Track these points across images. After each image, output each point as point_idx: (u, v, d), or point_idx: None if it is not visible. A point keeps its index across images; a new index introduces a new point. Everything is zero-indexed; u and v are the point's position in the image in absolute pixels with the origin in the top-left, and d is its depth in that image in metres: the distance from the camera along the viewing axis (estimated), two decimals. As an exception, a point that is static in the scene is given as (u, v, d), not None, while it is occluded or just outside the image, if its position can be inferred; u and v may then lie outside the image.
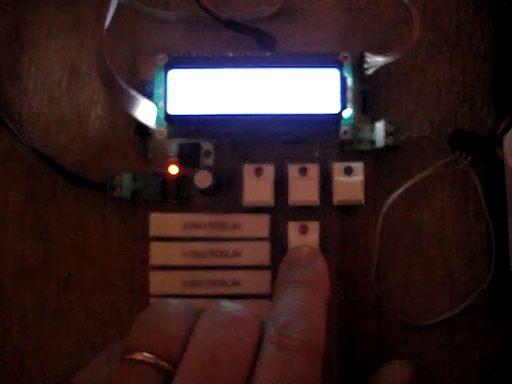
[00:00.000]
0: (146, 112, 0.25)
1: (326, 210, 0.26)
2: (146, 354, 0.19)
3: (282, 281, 0.23)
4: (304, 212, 0.26)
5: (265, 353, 0.19)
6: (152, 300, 0.26)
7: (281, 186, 0.26)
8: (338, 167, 0.26)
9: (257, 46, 0.27)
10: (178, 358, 0.19)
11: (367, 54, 0.26)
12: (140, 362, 0.19)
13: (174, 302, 0.21)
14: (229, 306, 0.20)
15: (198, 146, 0.27)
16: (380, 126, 0.26)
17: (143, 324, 0.20)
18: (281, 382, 0.18)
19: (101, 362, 0.21)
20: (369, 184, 0.26)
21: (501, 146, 0.26)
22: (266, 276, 0.26)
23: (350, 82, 0.25)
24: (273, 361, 0.19)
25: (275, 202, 0.26)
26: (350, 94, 0.25)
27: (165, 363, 0.19)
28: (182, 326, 0.19)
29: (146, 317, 0.20)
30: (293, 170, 0.26)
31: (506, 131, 0.26)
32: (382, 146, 0.26)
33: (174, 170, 0.27)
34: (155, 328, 0.19)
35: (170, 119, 0.25)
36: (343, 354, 0.25)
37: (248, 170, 0.26)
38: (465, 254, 0.26)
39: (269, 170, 0.26)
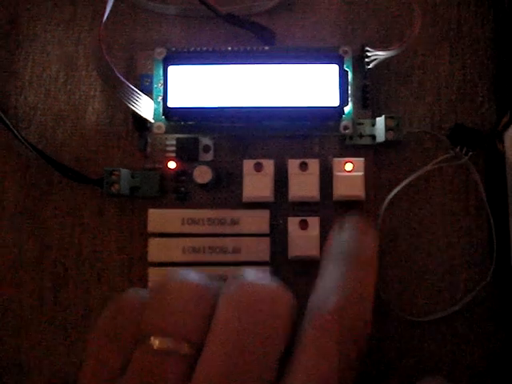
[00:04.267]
0: (144, 106, 0.25)
1: (327, 205, 0.26)
2: (164, 339, 0.17)
3: (329, 253, 0.20)
4: (304, 207, 0.26)
5: (306, 340, 0.17)
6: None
7: (281, 181, 0.26)
8: (338, 162, 0.25)
9: (256, 40, 0.27)
10: (199, 341, 0.17)
11: (368, 48, 0.26)
12: (157, 351, 0.17)
13: (187, 275, 0.18)
14: (253, 280, 0.18)
15: (196, 141, 0.26)
16: (380, 121, 0.26)
17: (157, 305, 0.18)
18: (316, 379, 0.16)
19: (110, 349, 0.18)
20: (369, 179, 0.26)
21: (502, 141, 0.26)
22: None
23: (350, 76, 0.25)
24: (314, 349, 0.17)
25: (275, 197, 0.26)
26: (350, 89, 0.25)
27: (185, 345, 0.17)
28: (200, 303, 0.18)
29: (160, 297, 0.18)
30: (293, 165, 0.26)
31: (507, 126, 0.26)
32: (382, 141, 0.26)
33: (172, 165, 0.26)
34: (171, 308, 0.17)
35: (168, 113, 0.25)
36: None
37: (248, 165, 0.25)
38: (465, 250, 0.26)
39: (268, 165, 0.25)
